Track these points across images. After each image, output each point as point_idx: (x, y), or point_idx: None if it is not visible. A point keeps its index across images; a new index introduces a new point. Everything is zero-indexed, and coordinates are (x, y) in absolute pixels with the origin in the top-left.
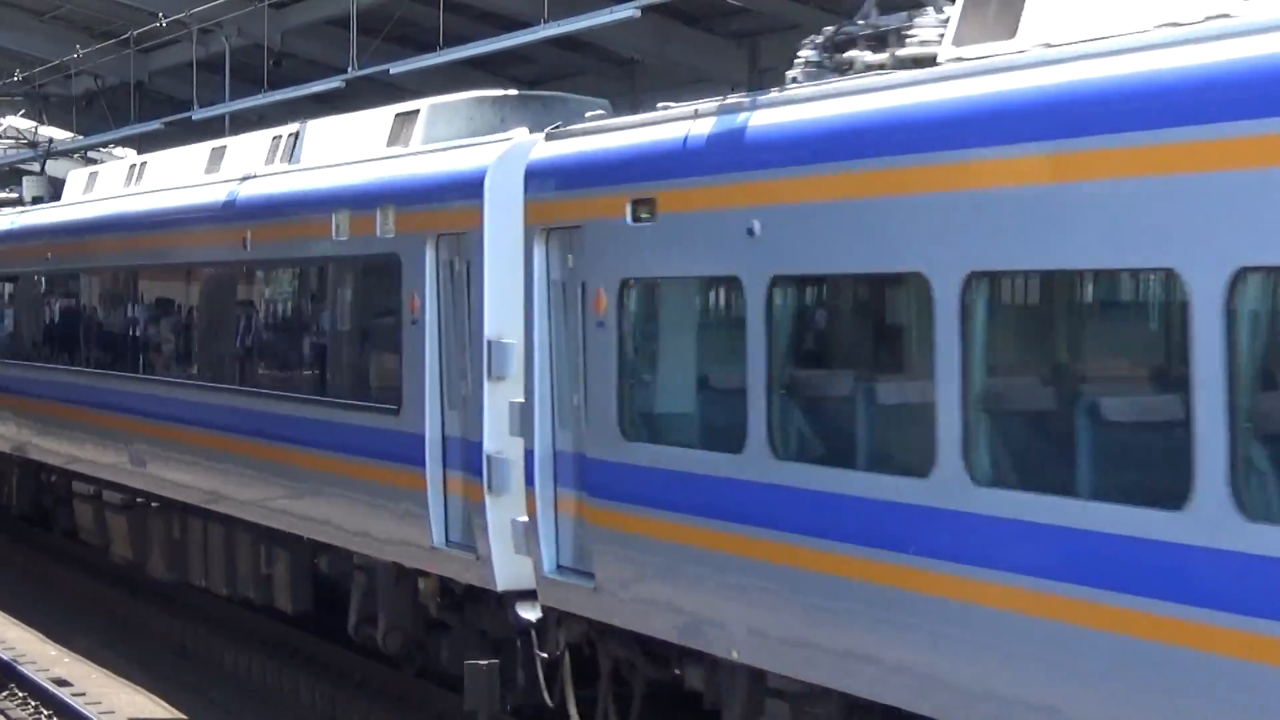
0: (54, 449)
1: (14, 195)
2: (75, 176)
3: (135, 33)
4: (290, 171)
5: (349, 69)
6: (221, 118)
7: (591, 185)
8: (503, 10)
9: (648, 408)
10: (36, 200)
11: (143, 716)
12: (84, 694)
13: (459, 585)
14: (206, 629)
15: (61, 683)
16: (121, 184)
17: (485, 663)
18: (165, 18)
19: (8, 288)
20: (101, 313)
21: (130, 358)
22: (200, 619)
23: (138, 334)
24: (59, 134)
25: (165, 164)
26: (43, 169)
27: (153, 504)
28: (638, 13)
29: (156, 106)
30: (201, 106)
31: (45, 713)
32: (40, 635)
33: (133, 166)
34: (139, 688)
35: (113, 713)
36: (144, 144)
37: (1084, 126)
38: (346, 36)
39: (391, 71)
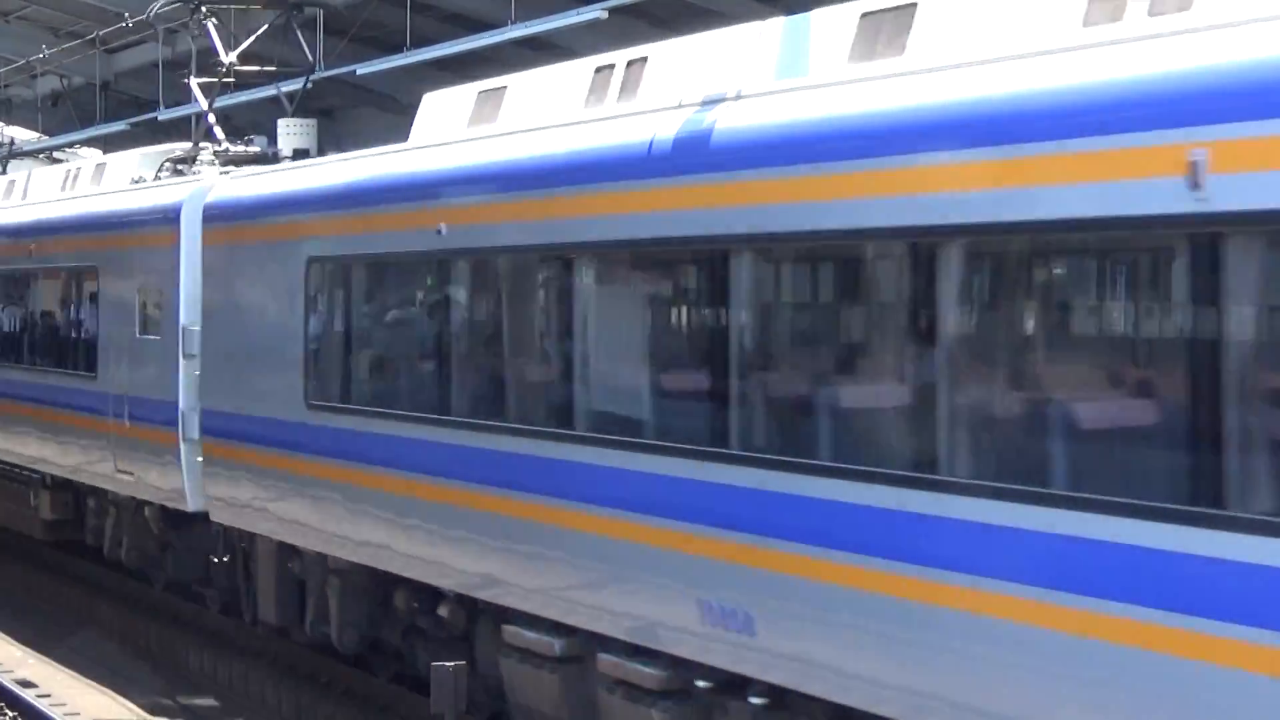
0: None
1: (254, 148)
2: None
3: (101, 33)
4: None
5: (316, 70)
6: (188, 118)
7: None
8: (470, 12)
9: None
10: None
11: (108, 718)
12: (49, 695)
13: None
14: (172, 629)
15: (26, 684)
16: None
17: (451, 665)
18: (131, 18)
19: None
20: None
21: None
22: (166, 620)
23: None
24: (23, 134)
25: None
26: (4, 169)
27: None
28: (605, 14)
29: (123, 107)
30: (168, 107)
31: (10, 714)
32: (5, 638)
33: None
34: (104, 689)
35: (78, 715)
36: (109, 144)
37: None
38: (310, 37)
39: (358, 73)
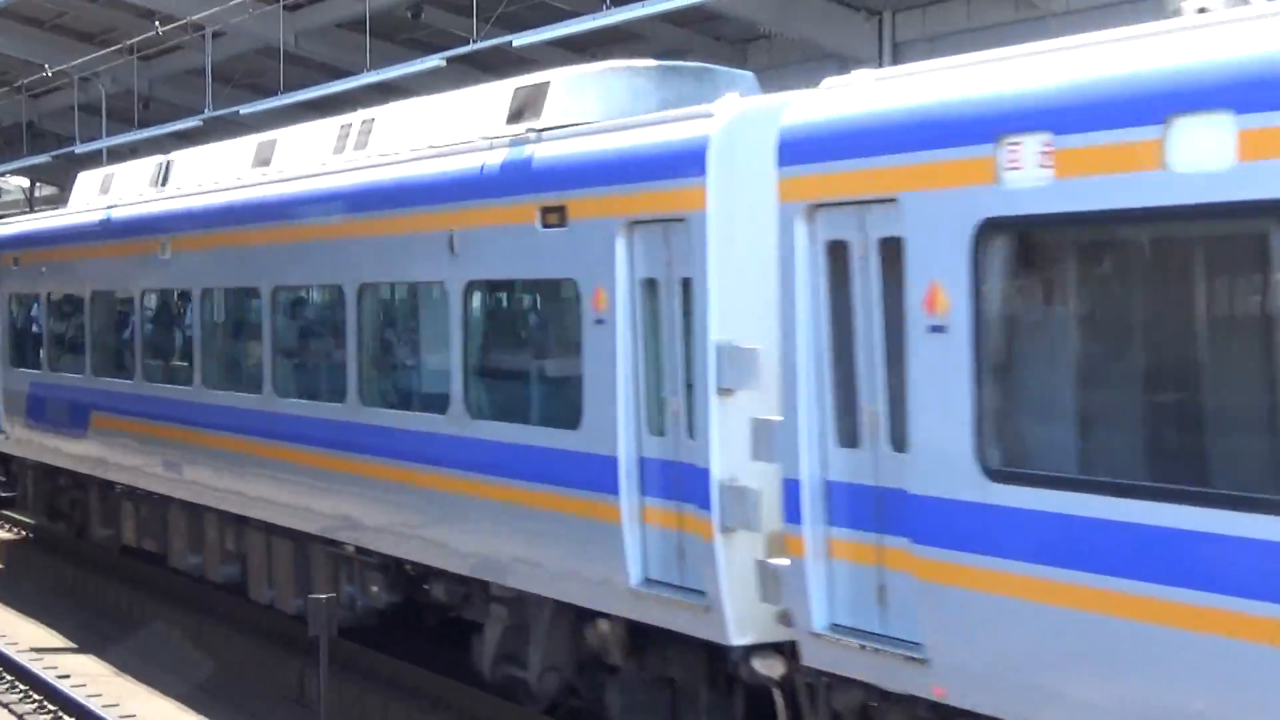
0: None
1: None
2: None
3: (25, 80)
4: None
5: (205, 110)
6: (99, 151)
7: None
8: (334, 61)
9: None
10: None
11: None
12: (98, 694)
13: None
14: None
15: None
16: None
17: (325, 596)
18: (50, 68)
19: None
20: None
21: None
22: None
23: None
24: None
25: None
26: None
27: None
28: (443, 63)
29: (43, 141)
30: (82, 142)
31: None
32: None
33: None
34: (163, 694)
35: (134, 716)
36: (35, 174)
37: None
38: (202, 83)
39: (241, 112)
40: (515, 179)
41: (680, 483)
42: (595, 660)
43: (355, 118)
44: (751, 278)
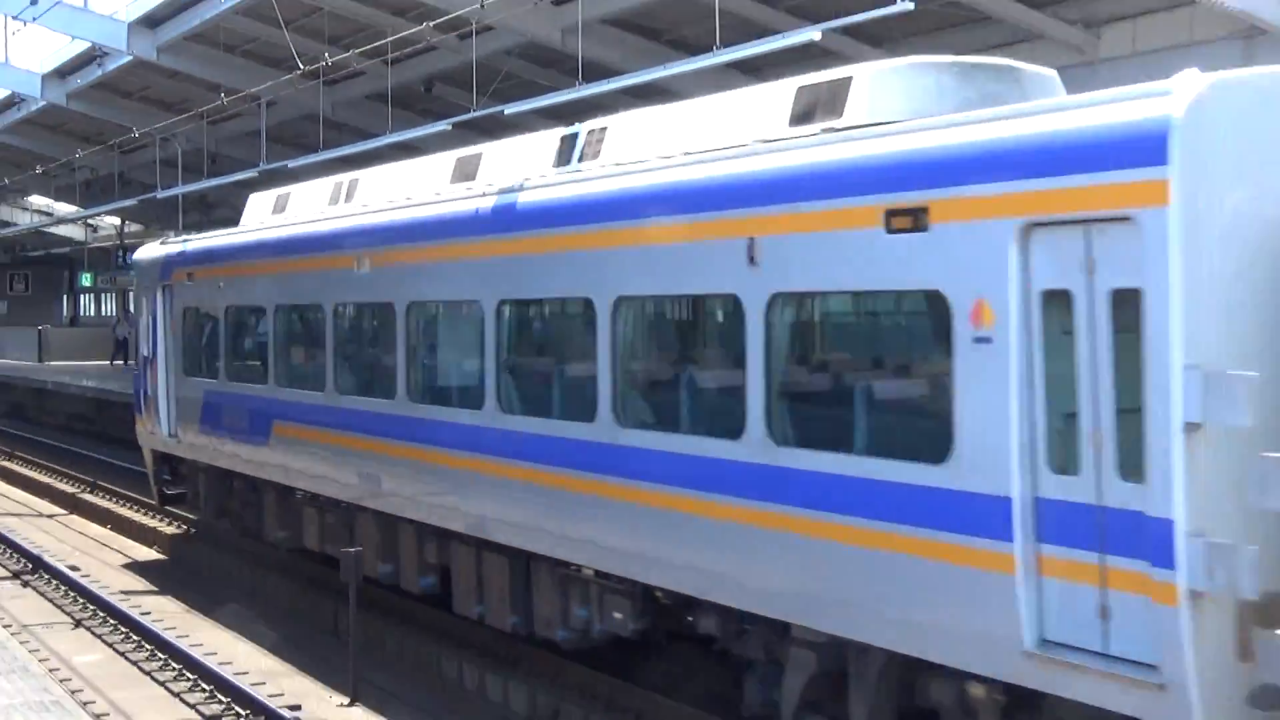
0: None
1: None
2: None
3: (117, 140)
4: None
5: (260, 164)
6: (175, 197)
7: None
8: (364, 126)
9: None
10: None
11: None
12: (173, 628)
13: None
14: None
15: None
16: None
17: (353, 550)
18: (137, 130)
19: None
20: None
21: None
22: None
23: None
24: (66, 208)
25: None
26: None
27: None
28: (450, 127)
29: (130, 188)
30: (162, 189)
31: None
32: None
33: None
34: (224, 627)
35: (201, 644)
36: (124, 214)
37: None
38: (258, 143)
39: (289, 165)
40: (842, 180)
41: (1108, 531)
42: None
43: (581, 129)
44: (1223, 289)
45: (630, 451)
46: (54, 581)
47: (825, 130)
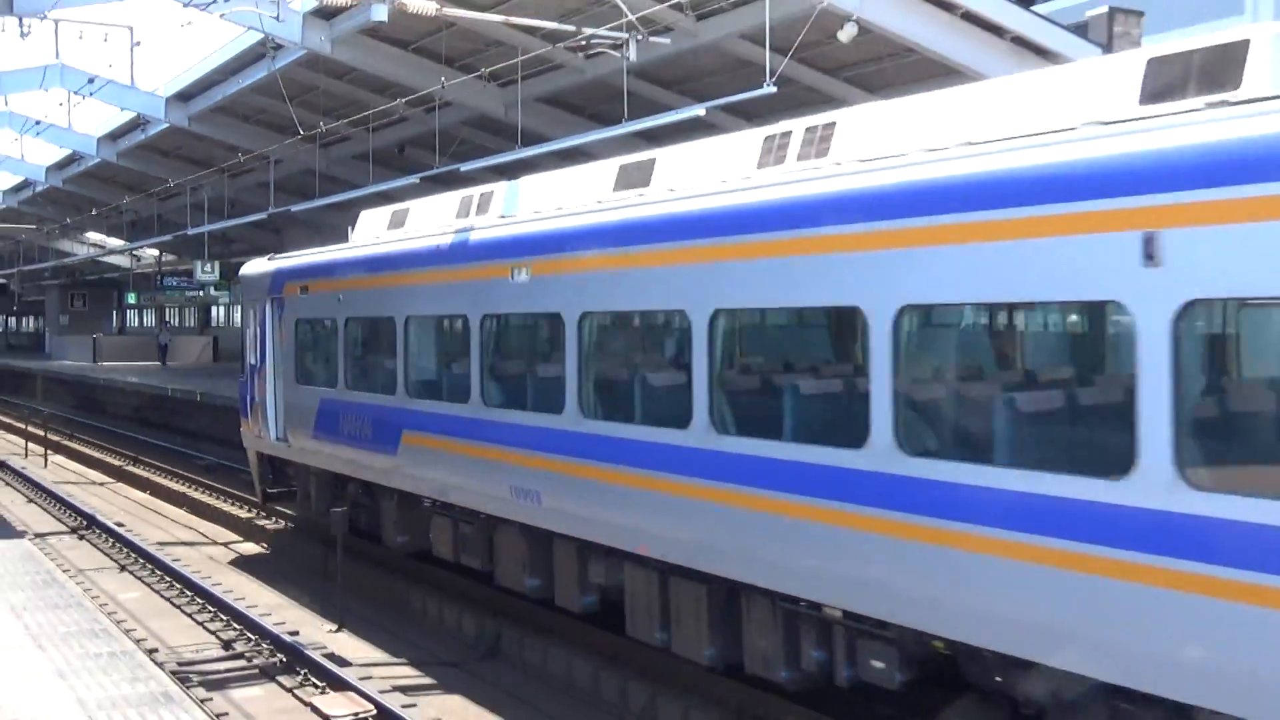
0: None
1: None
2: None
3: (155, 190)
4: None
5: (269, 209)
6: (202, 234)
7: None
8: (345, 177)
9: None
10: None
11: None
12: (198, 570)
13: None
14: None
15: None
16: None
17: (341, 509)
18: (172, 181)
19: None
20: None
21: None
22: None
23: None
24: (115, 242)
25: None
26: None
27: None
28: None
29: (166, 227)
30: (191, 228)
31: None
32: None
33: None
34: (239, 571)
35: (220, 584)
36: (161, 247)
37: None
38: (268, 192)
39: (292, 209)
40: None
41: None
42: None
43: (796, 125)
44: None
45: (915, 484)
46: (104, 535)
47: (1213, 105)
